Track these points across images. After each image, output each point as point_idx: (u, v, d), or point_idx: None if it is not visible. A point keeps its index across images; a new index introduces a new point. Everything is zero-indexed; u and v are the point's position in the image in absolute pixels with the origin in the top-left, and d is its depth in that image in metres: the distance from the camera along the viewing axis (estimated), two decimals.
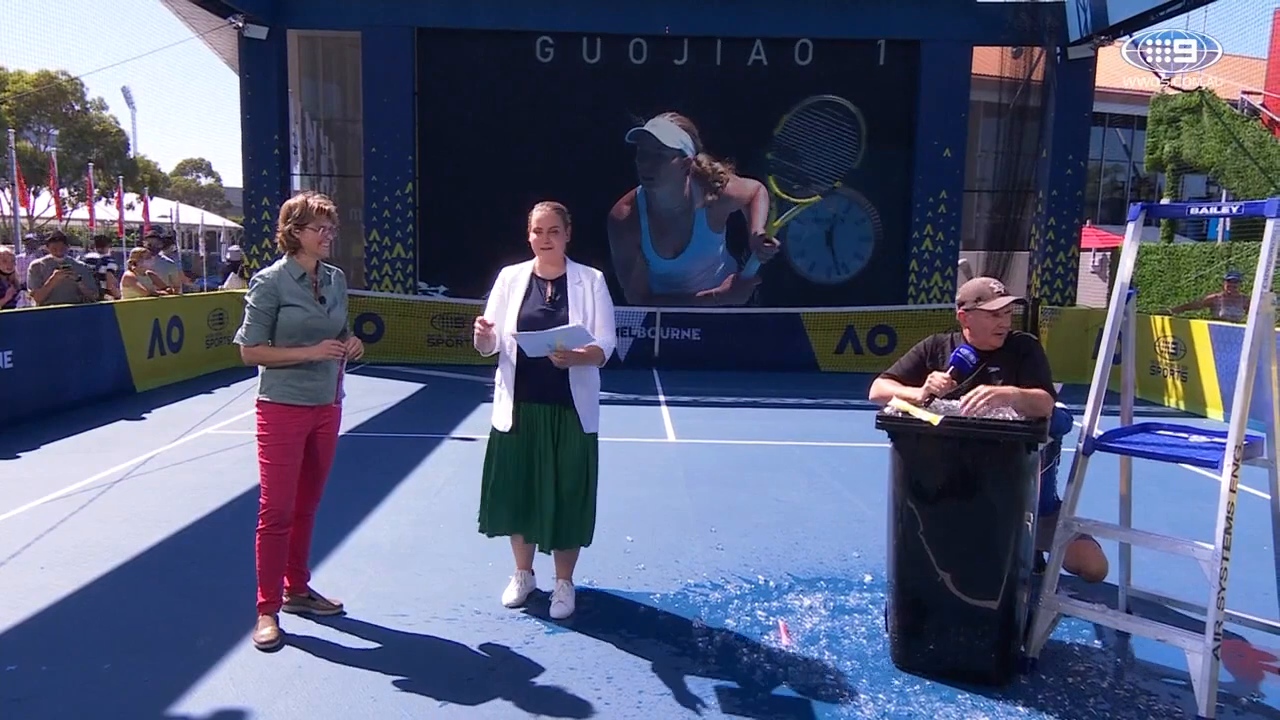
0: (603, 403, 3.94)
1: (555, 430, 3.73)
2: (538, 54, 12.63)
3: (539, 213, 3.74)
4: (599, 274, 3.83)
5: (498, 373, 3.84)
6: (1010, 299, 3.50)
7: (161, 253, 12.06)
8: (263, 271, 3.59)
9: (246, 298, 3.55)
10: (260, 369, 3.59)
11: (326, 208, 3.59)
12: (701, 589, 4.22)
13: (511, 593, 3.97)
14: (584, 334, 3.60)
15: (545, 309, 3.71)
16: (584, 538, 3.85)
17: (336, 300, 3.70)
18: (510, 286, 3.82)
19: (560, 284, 3.77)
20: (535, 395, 3.72)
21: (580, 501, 3.78)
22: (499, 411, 3.80)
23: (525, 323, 3.69)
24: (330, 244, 3.64)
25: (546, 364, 3.62)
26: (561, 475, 3.73)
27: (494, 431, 3.83)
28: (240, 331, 3.55)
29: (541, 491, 3.73)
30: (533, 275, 3.81)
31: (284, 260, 3.60)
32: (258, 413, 3.58)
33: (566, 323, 3.64)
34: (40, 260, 9.49)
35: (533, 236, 3.75)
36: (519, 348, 3.64)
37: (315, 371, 3.58)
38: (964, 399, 3.26)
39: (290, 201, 3.61)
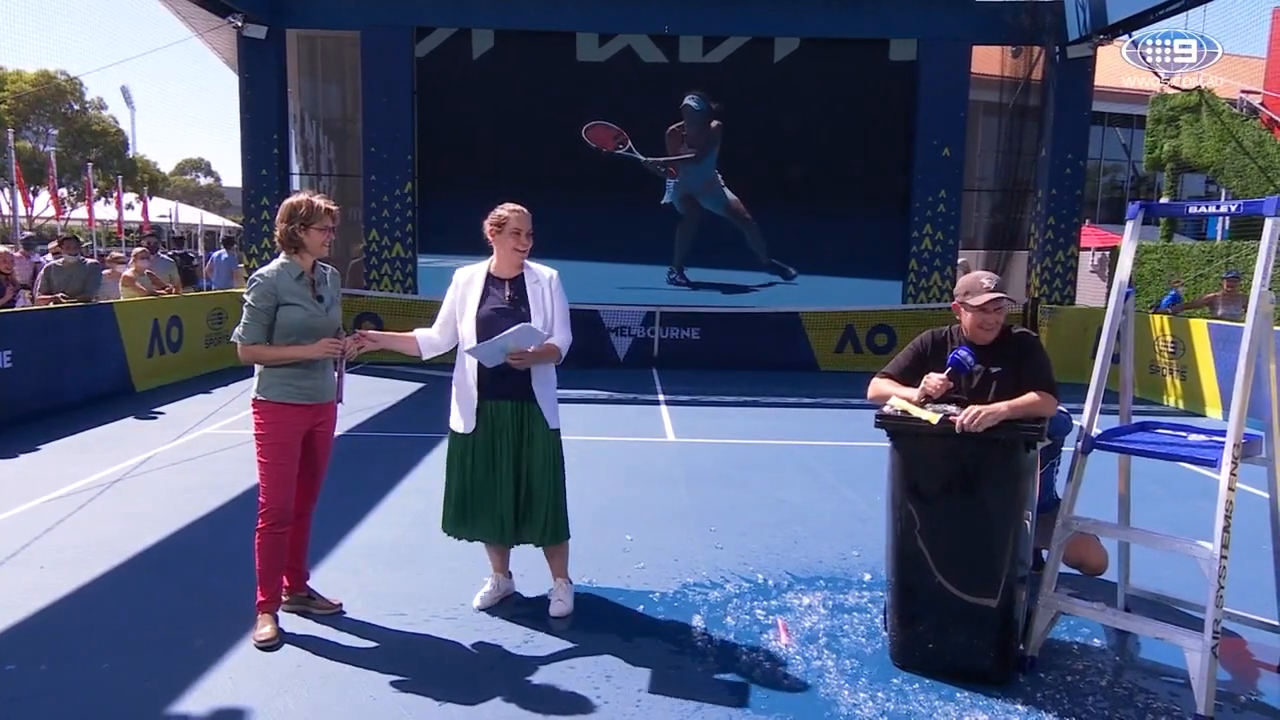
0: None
1: (521, 428, 3.72)
2: (538, 53, 12.64)
3: (517, 216, 3.72)
4: (554, 273, 3.81)
5: (455, 373, 3.82)
6: (994, 295, 3.43)
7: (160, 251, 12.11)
8: (261, 270, 3.56)
9: (245, 296, 3.53)
10: (257, 368, 3.58)
11: (331, 207, 3.58)
12: (701, 588, 4.22)
13: (483, 594, 3.96)
14: (534, 333, 3.59)
15: (504, 309, 3.70)
16: (561, 534, 3.84)
17: (333, 299, 3.69)
18: (465, 289, 3.78)
19: (518, 284, 3.76)
20: (501, 393, 3.70)
21: (553, 498, 3.77)
22: (456, 414, 3.79)
23: (484, 323, 3.67)
24: (330, 243, 3.62)
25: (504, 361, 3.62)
26: (532, 473, 3.73)
27: (453, 435, 3.81)
28: (238, 330, 3.54)
29: (515, 490, 3.72)
30: (488, 276, 3.79)
31: (282, 259, 3.58)
32: (255, 412, 3.57)
33: (529, 321, 3.64)
34: (51, 264, 9.47)
35: (510, 239, 3.71)
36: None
37: (313, 370, 3.58)
38: (960, 417, 3.19)
39: (293, 200, 3.57)
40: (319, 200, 3.56)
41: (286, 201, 3.59)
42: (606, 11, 12.49)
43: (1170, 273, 15.40)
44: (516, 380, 3.68)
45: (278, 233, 3.56)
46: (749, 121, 12.75)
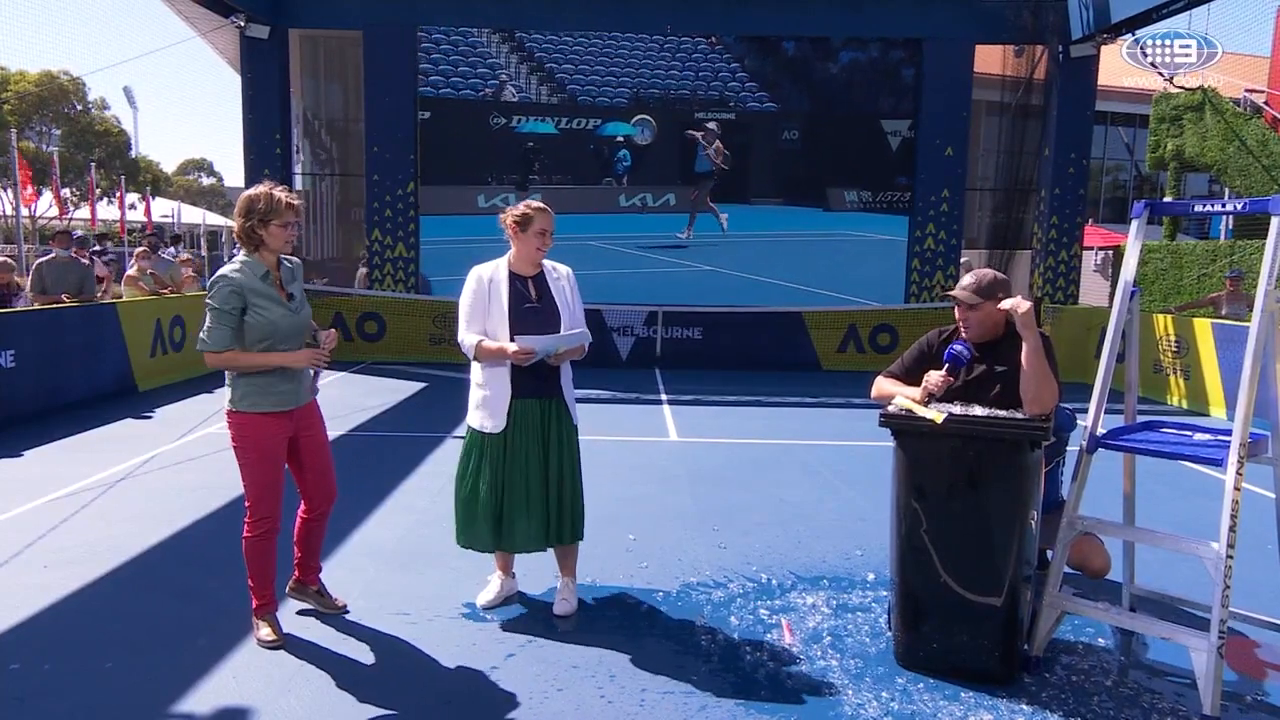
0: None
1: (549, 425, 3.72)
2: (540, 53, 12.63)
3: (544, 216, 3.70)
4: (569, 269, 3.86)
5: (476, 372, 3.76)
6: (954, 291, 3.50)
7: (162, 251, 12.09)
8: (224, 270, 3.31)
9: (208, 299, 3.26)
10: (228, 376, 3.39)
11: (294, 201, 3.33)
12: (704, 587, 4.22)
13: (488, 594, 3.94)
14: (585, 335, 3.72)
15: (534, 306, 3.70)
16: (579, 531, 3.87)
17: (302, 296, 3.52)
18: (490, 287, 3.72)
19: (539, 281, 3.76)
20: (532, 391, 3.68)
21: (575, 494, 3.81)
22: (485, 412, 3.70)
23: (519, 321, 3.63)
24: (294, 240, 3.41)
25: (540, 360, 3.63)
26: (563, 471, 3.74)
27: (474, 434, 3.75)
28: (202, 335, 3.29)
29: (538, 489, 3.70)
30: (510, 273, 3.76)
31: (243, 257, 3.33)
32: (230, 424, 3.42)
33: (558, 318, 3.69)
34: (43, 260, 9.47)
35: (534, 239, 3.68)
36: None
37: (289, 375, 3.42)
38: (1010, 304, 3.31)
39: (251, 193, 3.29)
40: (280, 193, 3.30)
41: (245, 194, 3.31)
42: (607, 11, 12.49)
43: (1174, 271, 15.36)
44: (548, 377, 3.70)
45: (235, 228, 3.33)
46: (750, 120, 12.75)
